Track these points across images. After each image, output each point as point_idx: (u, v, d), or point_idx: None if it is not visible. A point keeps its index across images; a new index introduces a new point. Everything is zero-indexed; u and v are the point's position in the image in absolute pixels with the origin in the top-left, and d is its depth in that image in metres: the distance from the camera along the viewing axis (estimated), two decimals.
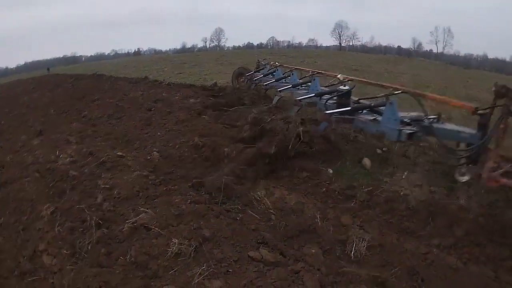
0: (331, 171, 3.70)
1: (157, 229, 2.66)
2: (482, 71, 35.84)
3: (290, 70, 7.22)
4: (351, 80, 5.17)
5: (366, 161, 3.90)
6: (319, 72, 6.39)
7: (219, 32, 66.81)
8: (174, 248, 2.43)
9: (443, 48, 60.21)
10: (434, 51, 59.60)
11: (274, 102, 5.63)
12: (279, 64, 8.06)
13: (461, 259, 2.52)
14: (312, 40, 66.30)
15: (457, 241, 2.64)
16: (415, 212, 2.95)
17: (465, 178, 3.27)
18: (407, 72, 12.81)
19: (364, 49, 56.04)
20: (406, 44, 60.69)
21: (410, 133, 3.83)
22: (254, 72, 8.69)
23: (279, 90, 6.24)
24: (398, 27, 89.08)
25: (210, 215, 2.89)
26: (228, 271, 2.27)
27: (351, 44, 62.07)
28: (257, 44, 63.71)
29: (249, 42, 65.27)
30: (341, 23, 62.37)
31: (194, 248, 2.45)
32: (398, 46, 59.92)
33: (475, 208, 2.80)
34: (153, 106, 7.24)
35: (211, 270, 2.26)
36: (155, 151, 4.61)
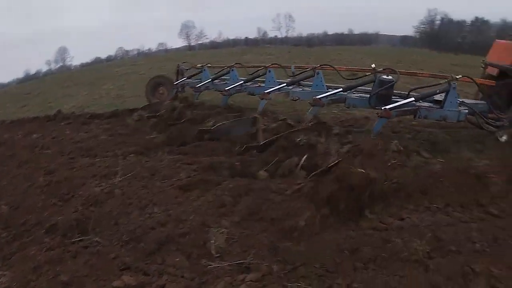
0: None
1: None
2: (324, 47, 40.98)
3: (228, 67, 6.39)
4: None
5: None
6: (276, 64, 6.00)
7: (63, 51, 60.46)
8: None
9: (286, 32, 66.12)
10: (279, 36, 64.97)
11: (260, 109, 5.14)
12: (205, 65, 6.90)
13: None
14: (162, 44, 65.26)
15: None
16: None
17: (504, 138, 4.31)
18: (253, 60, 13.81)
19: (214, 45, 57.67)
20: (253, 35, 64.52)
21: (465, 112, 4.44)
22: (187, 78, 7.16)
23: (267, 92, 5.23)
24: (244, 20, 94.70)
25: (66, 257, 2.74)
26: None
27: (200, 42, 63.28)
28: (106, 57, 59.68)
29: (97, 57, 60.59)
30: (187, 23, 62.85)
31: None
32: (245, 37, 63.31)
33: None
34: None
35: None
36: (2, 204, 4.07)
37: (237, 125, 4.65)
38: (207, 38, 63.80)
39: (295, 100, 5.29)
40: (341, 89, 4.81)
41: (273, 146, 4.08)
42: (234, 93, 5.99)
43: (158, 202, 3.39)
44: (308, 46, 41.24)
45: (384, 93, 4.59)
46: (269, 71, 5.65)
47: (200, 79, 6.65)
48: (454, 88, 4.37)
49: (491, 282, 2.18)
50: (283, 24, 65.41)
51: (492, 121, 4.66)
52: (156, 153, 4.64)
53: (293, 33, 64.96)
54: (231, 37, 64.41)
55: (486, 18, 70.77)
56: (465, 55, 27.31)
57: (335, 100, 4.84)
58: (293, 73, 5.67)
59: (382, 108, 4.18)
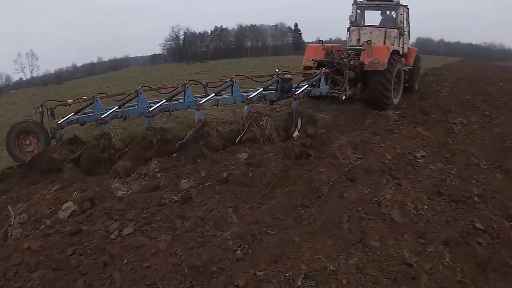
0: None
1: None
2: (75, 80, 38.60)
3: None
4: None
5: None
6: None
7: None
8: None
9: (31, 72, 59.53)
10: (25, 78, 57.80)
11: (197, 118, 5.60)
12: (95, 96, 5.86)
13: None
14: None
15: None
16: None
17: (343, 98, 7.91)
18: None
19: None
20: None
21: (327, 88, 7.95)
22: (75, 114, 5.75)
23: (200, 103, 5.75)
24: None
25: None
26: None
27: None
28: None
29: None
30: None
31: None
32: None
33: None
34: None
35: None
36: None
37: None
38: None
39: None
40: (262, 88, 6.57)
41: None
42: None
43: None
44: (58, 83, 38.66)
45: (289, 86, 6.91)
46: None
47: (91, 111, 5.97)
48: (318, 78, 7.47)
49: None
50: (26, 64, 58.51)
51: (336, 91, 8.08)
52: None
53: (39, 72, 59.14)
54: None
55: (224, 26, 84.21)
56: (214, 60, 32.48)
57: (261, 97, 6.64)
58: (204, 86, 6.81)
59: (295, 94, 6.59)
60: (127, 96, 6.04)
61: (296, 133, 5.71)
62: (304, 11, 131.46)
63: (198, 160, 4.87)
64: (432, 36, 79.85)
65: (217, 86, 6.66)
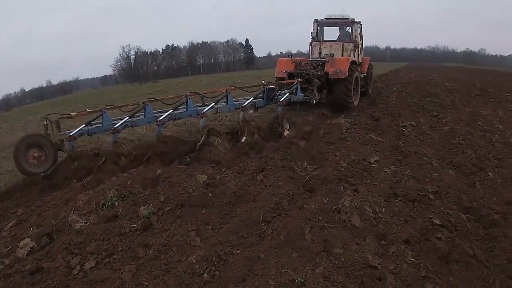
0: None
1: None
2: (23, 106, 36.17)
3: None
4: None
5: None
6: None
7: None
8: None
9: None
10: None
11: (201, 124, 6.63)
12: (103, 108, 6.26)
13: None
14: None
15: None
16: None
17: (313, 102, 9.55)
18: None
19: None
20: None
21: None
22: (86, 125, 5.99)
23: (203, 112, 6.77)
24: None
25: None
26: None
27: None
28: None
29: None
30: None
31: None
32: None
33: None
34: None
35: None
36: None
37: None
38: None
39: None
40: (253, 97, 7.91)
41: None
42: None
43: None
44: (6, 110, 36.71)
45: (273, 94, 8.31)
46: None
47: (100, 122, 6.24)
48: (296, 86, 9.10)
49: None
50: None
51: (307, 97, 9.47)
52: None
53: None
54: None
55: (176, 44, 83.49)
56: (167, 79, 31.92)
57: (253, 104, 7.83)
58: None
59: (279, 101, 8.06)
60: (136, 108, 6.69)
61: (286, 132, 7.33)
62: (254, 27, 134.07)
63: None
64: (378, 44, 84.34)
65: (214, 97, 7.75)
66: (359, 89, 11.10)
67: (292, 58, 10.65)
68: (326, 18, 11.44)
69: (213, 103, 7.31)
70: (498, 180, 4.81)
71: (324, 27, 11.59)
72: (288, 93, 8.56)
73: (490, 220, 3.69)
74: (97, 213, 4.12)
